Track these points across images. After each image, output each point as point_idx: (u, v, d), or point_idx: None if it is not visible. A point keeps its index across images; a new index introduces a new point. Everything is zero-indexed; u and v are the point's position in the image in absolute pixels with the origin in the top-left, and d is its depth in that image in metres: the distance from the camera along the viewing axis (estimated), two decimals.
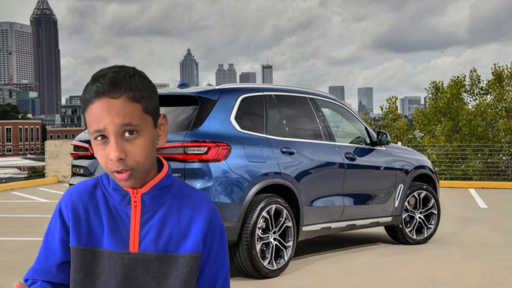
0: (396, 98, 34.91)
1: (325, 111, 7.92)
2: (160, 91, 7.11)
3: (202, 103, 6.51)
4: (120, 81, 1.54)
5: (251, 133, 6.69)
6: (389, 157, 8.29)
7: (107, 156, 1.55)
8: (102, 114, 1.53)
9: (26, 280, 1.67)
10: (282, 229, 6.64)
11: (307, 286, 6.24)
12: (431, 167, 8.94)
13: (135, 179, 1.58)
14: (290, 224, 6.69)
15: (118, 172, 1.55)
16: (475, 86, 31.30)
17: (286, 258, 6.64)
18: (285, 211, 6.64)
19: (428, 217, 8.54)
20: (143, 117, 1.56)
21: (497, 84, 30.30)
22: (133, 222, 1.62)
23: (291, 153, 6.92)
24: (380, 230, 8.97)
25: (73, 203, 1.65)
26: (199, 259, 1.65)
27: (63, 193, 1.70)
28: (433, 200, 8.56)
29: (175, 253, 1.62)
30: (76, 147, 7.03)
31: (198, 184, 6.09)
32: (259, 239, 6.42)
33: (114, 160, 1.53)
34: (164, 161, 1.69)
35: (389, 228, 8.47)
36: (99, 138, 1.55)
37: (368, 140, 8.19)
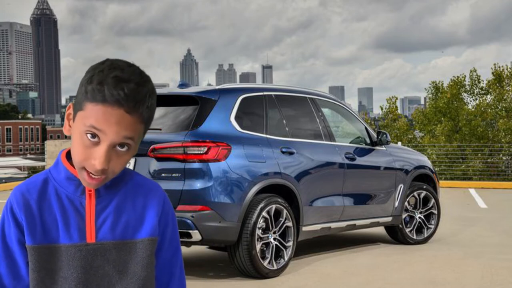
0: (396, 98, 34.86)
1: (325, 111, 7.92)
2: (160, 91, 7.11)
3: (202, 103, 6.51)
4: (141, 99, 1.50)
5: (251, 133, 6.69)
6: (389, 157, 8.29)
7: (89, 156, 1.50)
8: (110, 121, 1.48)
9: None
10: (282, 229, 6.64)
11: (307, 286, 6.24)
12: (431, 167, 8.94)
13: (101, 184, 1.55)
14: (290, 224, 6.69)
15: (91, 175, 1.52)
16: (475, 86, 31.26)
17: (286, 258, 6.64)
18: (285, 211, 6.64)
19: (428, 217, 8.54)
20: (140, 135, 1.55)
21: (497, 84, 30.27)
22: (88, 211, 1.58)
23: (291, 153, 6.92)
24: (380, 230, 8.96)
25: (25, 201, 1.57)
26: (156, 242, 1.64)
27: (12, 191, 1.61)
28: (433, 200, 8.56)
29: (133, 239, 1.60)
30: None
31: (198, 184, 6.09)
32: (259, 239, 6.41)
33: (98, 168, 1.49)
34: None
35: (389, 228, 8.47)
36: (89, 135, 1.50)
37: (368, 140, 8.19)
